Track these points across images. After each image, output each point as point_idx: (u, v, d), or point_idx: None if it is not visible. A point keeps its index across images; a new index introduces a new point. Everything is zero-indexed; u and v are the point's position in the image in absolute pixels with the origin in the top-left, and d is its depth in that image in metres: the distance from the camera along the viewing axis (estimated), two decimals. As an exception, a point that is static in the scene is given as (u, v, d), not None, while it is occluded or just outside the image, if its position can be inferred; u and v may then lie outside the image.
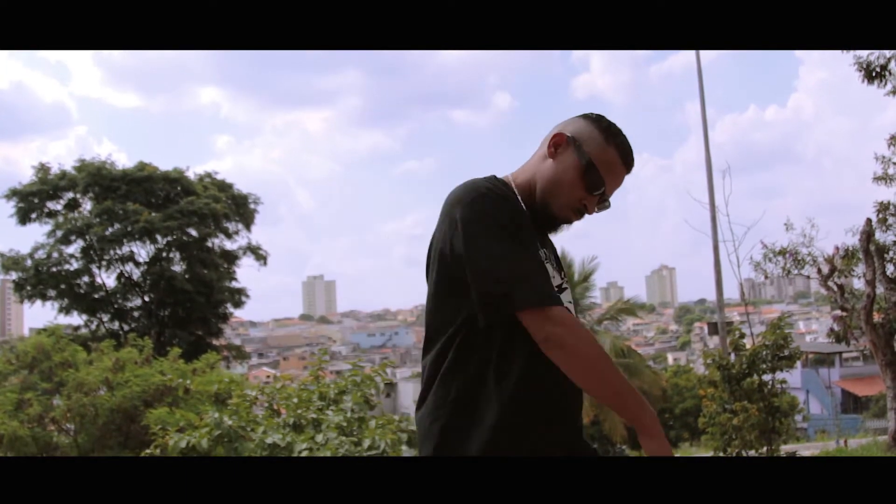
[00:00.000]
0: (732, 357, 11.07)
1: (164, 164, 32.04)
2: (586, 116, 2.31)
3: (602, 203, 2.30)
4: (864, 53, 10.50)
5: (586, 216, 2.30)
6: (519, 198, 2.24)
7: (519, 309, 1.99)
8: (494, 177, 2.27)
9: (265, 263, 31.74)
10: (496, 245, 2.03)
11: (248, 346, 68.55)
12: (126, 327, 28.44)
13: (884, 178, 13.14)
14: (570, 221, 2.29)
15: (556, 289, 2.18)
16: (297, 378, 9.60)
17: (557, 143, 2.26)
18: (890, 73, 10.53)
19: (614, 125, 2.28)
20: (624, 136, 2.27)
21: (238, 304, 31.25)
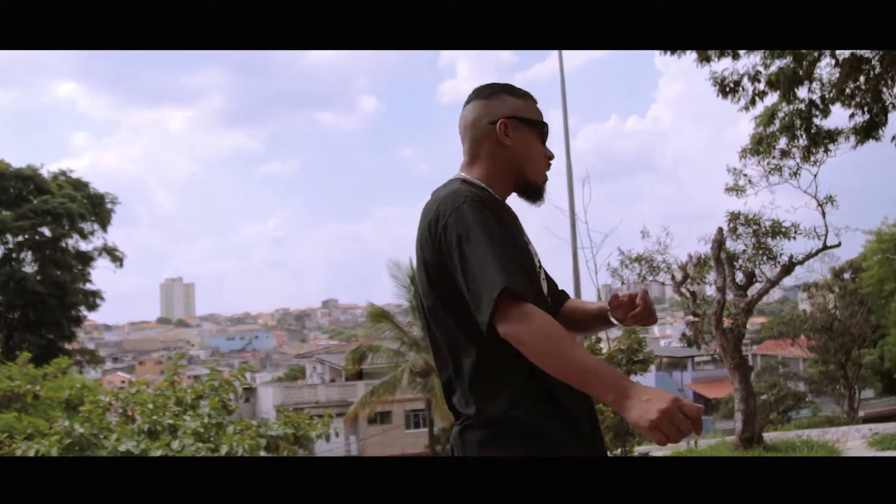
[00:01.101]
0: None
1: (17, 161, 30.83)
2: (489, 94, 2.39)
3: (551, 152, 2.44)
4: (719, 68, 10.91)
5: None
6: (493, 193, 2.30)
7: (483, 323, 2.01)
8: (463, 179, 2.33)
9: (121, 265, 30.89)
10: (480, 254, 2.05)
11: (102, 350, 66.37)
12: (-29, 330, 27.21)
13: (735, 190, 13.67)
14: (547, 179, 2.41)
15: (538, 263, 2.32)
16: (153, 383, 9.36)
17: (505, 127, 2.33)
18: (743, 89, 10.96)
19: (506, 84, 2.42)
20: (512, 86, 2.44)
21: (92, 307, 30.33)
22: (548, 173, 2.41)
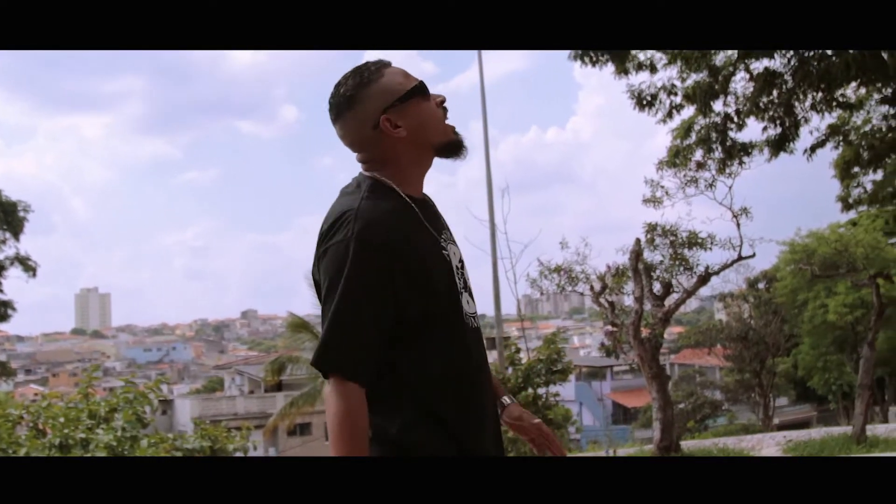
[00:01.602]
0: (510, 371, 11.33)
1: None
2: (352, 102, 2.19)
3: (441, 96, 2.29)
4: (636, 82, 11.04)
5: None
6: (403, 193, 2.17)
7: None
8: (373, 182, 2.19)
9: (34, 275, 30.03)
10: (335, 311, 2.01)
11: (14, 362, 64.63)
12: None
13: (652, 201, 13.83)
14: (456, 133, 2.26)
15: (455, 270, 2.21)
16: (66, 395, 9.12)
17: (391, 121, 2.16)
18: (660, 103, 11.10)
19: (357, 75, 2.20)
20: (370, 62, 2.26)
21: (3, 318, 29.43)
22: (450, 128, 2.25)
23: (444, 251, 2.18)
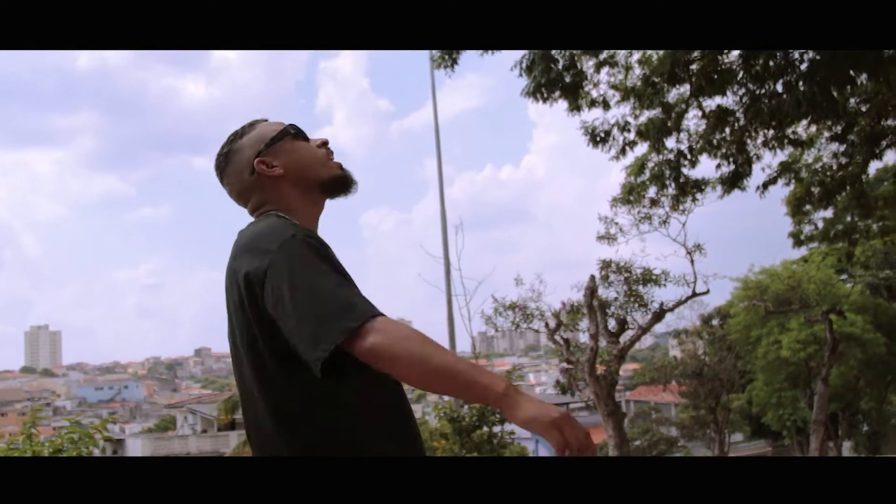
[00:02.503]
0: (465, 409, 11.21)
1: None
2: (227, 159, 2.29)
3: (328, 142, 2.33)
4: (589, 118, 11.04)
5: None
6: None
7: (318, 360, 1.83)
8: (277, 213, 2.18)
9: (-20, 310, 29.47)
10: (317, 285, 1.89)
11: (-39, 400, 63.32)
12: None
13: (606, 238, 13.87)
14: (341, 168, 2.27)
15: None
16: (12, 435, 8.85)
17: (266, 162, 2.22)
18: (613, 139, 11.11)
19: (230, 137, 2.31)
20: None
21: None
22: (335, 164, 2.27)
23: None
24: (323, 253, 1.97)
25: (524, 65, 9.37)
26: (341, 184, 2.25)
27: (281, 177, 2.20)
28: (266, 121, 2.32)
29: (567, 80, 9.51)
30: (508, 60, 9.56)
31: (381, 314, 1.84)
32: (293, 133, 2.27)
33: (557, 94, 9.71)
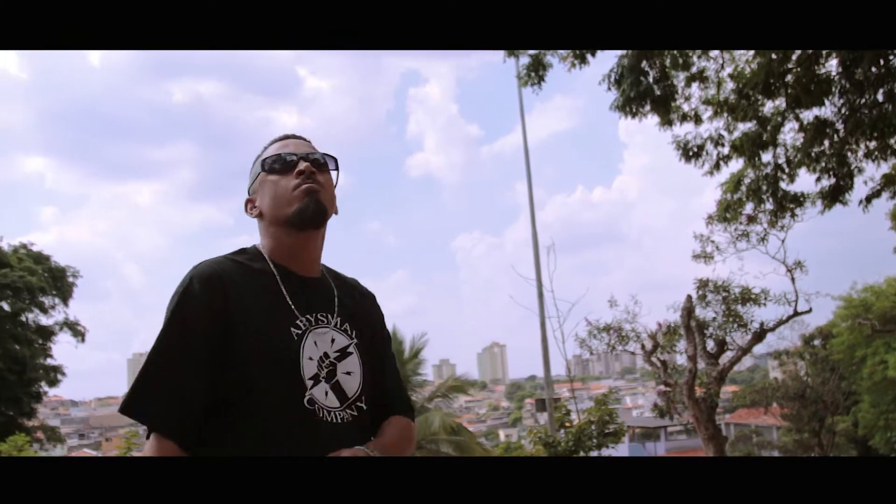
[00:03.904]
0: (561, 433, 11.04)
1: (-16, 235, 30.41)
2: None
3: (304, 163, 2.19)
4: (682, 133, 10.83)
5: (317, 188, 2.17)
6: (269, 258, 2.19)
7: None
8: (246, 248, 2.26)
9: (83, 340, 30.29)
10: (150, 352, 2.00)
11: (68, 426, 65.03)
12: (-71, 407, 26.53)
13: (703, 257, 13.56)
14: (305, 205, 2.14)
15: (311, 356, 2.08)
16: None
17: (248, 201, 2.29)
18: (707, 154, 10.87)
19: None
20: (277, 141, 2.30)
21: (53, 383, 29.72)
22: (302, 195, 2.15)
23: (295, 329, 2.07)
24: (183, 321, 1.98)
25: (613, 78, 9.23)
26: (301, 220, 2.15)
27: (261, 215, 2.23)
28: (268, 145, 2.29)
29: (657, 92, 9.31)
30: (597, 80, 9.41)
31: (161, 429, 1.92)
32: (266, 170, 2.21)
33: (648, 108, 9.53)
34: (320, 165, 2.23)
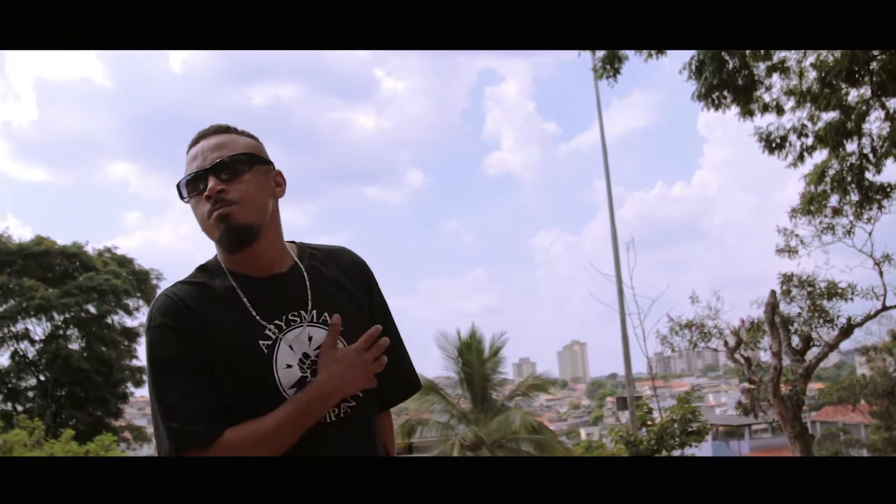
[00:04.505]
0: (643, 432, 10.92)
1: (71, 239, 31.20)
2: None
3: (210, 183, 1.98)
4: (763, 124, 10.62)
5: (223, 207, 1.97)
6: (227, 269, 2.06)
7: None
8: (206, 263, 2.13)
9: (168, 341, 30.91)
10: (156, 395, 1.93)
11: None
12: (20, 408, 27.26)
13: (787, 251, 13.28)
14: (221, 233, 1.99)
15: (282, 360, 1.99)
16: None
17: None
18: (790, 145, 10.65)
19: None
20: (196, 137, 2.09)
21: (139, 384, 30.38)
22: (213, 223, 1.98)
23: (264, 341, 1.98)
24: (170, 354, 1.94)
25: (693, 66, 9.08)
26: (227, 247, 2.03)
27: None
28: (189, 153, 2.09)
29: (739, 81, 9.14)
30: (675, 75, 9.30)
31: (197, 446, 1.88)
32: (182, 197, 2.04)
33: (729, 98, 9.36)
34: (232, 171, 2.00)
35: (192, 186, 2.01)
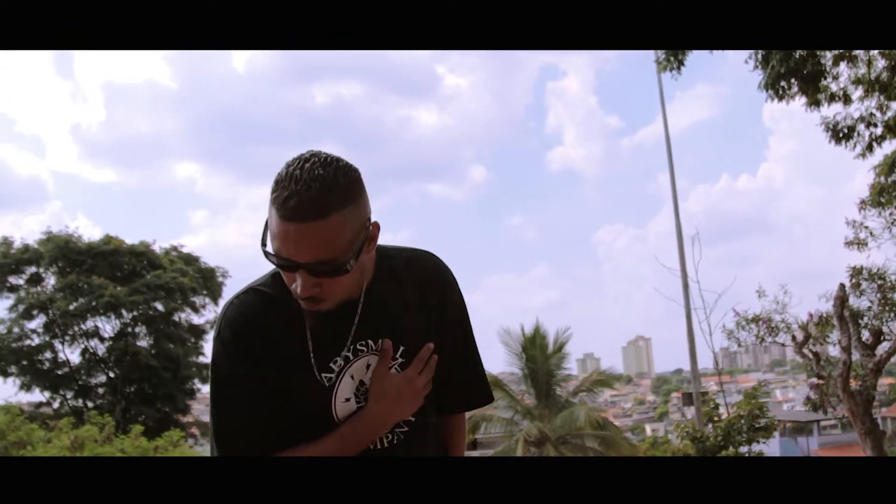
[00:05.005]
0: (710, 428, 10.79)
1: (139, 238, 31.72)
2: None
3: (304, 290, 1.74)
4: (830, 114, 10.42)
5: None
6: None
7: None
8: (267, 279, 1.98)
9: (234, 337, 31.22)
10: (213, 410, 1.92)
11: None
12: (90, 404, 27.80)
13: (856, 243, 13.03)
14: (308, 307, 1.82)
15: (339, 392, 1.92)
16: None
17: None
18: (858, 135, 10.44)
19: (284, 174, 1.77)
20: (287, 183, 1.73)
21: (206, 380, 30.58)
22: (306, 304, 1.80)
23: (327, 374, 1.90)
24: (229, 370, 1.90)
25: (760, 56, 8.94)
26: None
27: None
28: (275, 196, 1.77)
29: (806, 70, 8.97)
30: (739, 66, 9.17)
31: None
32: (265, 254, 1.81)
33: (795, 88, 9.19)
34: (330, 272, 1.73)
35: (280, 260, 1.77)
